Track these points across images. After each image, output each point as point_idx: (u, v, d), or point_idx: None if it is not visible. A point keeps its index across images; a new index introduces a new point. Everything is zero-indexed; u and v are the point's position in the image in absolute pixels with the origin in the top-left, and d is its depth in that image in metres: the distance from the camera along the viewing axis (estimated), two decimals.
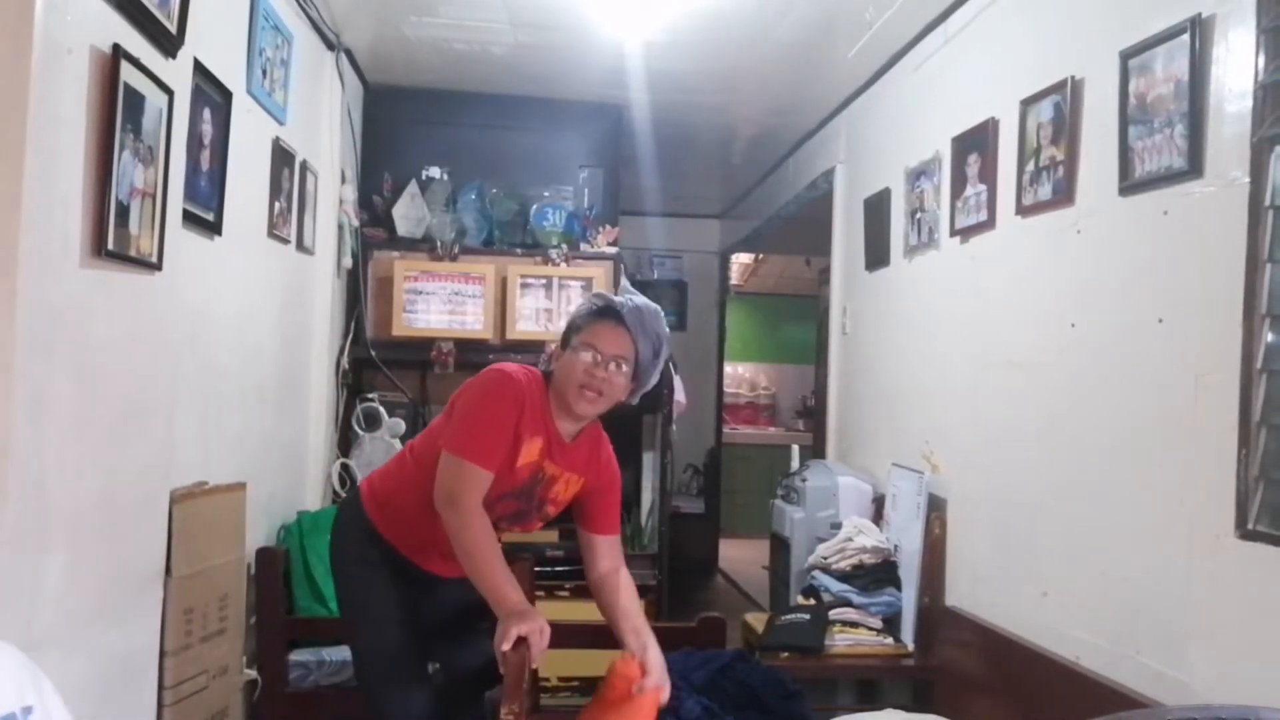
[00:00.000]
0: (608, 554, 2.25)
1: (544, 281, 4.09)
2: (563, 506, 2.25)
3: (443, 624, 2.34)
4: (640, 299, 2.21)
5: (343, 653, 3.01)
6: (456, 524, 2.01)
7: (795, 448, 4.21)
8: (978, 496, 2.78)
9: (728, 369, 7.65)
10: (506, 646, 1.91)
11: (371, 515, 2.22)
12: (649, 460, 4.41)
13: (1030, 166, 2.50)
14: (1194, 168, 1.90)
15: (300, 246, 3.28)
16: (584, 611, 3.86)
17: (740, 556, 6.64)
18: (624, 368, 2.13)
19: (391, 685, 2.17)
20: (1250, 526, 1.74)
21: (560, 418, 2.17)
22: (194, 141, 2.22)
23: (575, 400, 2.13)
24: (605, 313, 2.15)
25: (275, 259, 3.05)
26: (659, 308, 2.22)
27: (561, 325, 3.96)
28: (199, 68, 2.19)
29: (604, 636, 2.58)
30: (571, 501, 2.26)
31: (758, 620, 3.44)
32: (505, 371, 2.17)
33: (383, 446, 3.81)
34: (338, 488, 3.69)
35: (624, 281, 2.28)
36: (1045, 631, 2.37)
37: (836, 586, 3.07)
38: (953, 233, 2.97)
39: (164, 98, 1.90)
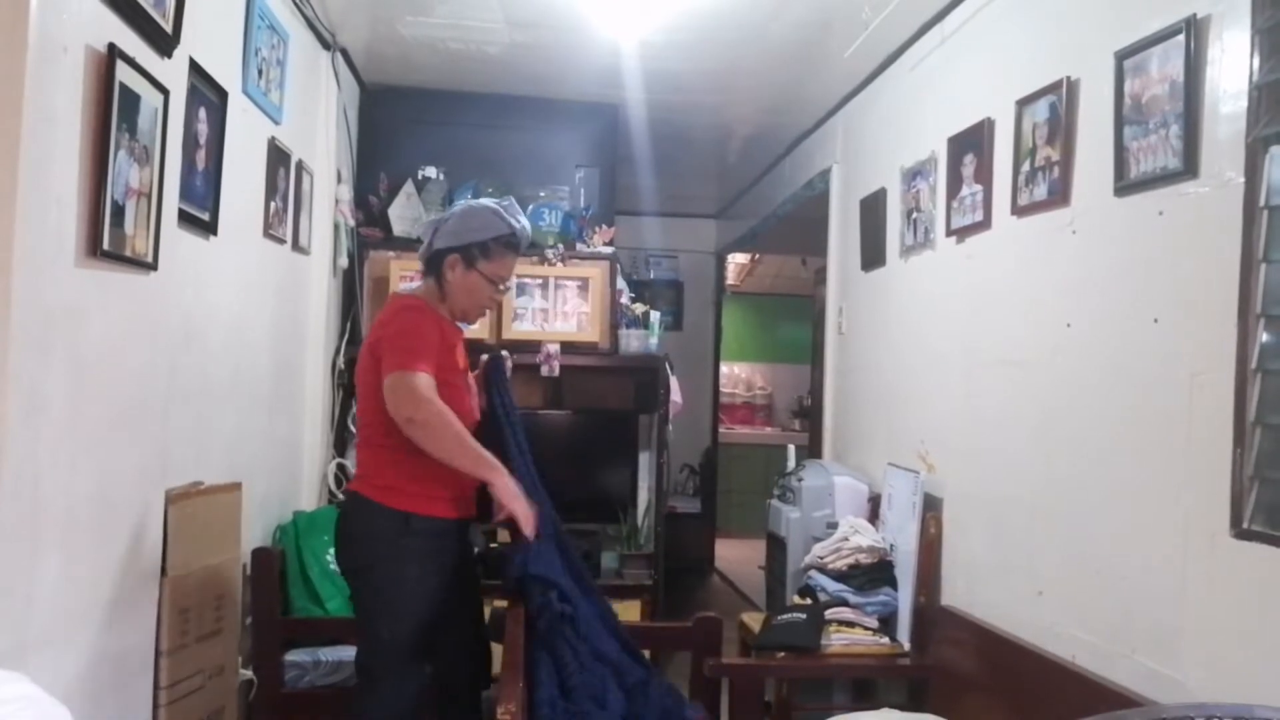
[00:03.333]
0: None
1: (540, 281, 4.09)
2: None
3: (451, 621, 2.38)
4: (524, 219, 2.44)
5: (338, 653, 3.01)
6: (428, 429, 2.18)
7: (791, 447, 4.21)
8: (973, 496, 2.78)
9: (724, 369, 7.65)
10: (503, 516, 2.25)
11: (396, 504, 2.28)
12: (645, 460, 4.42)
13: (1026, 167, 2.51)
14: (1189, 168, 1.90)
15: (296, 246, 3.28)
16: None
17: (736, 556, 6.64)
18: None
19: (395, 674, 2.27)
20: (1245, 526, 1.74)
21: (442, 312, 2.42)
22: (189, 141, 2.22)
23: (475, 317, 2.50)
24: (514, 245, 2.41)
25: (271, 259, 3.05)
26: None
27: (559, 326, 4.04)
28: (194, 67, 2.19)
29: None
30: None
31: (754, 620, 3.45)
32: (411, 305, 2.35)
33: None
34: (333, 488, 3.69)
35: (511, 202, 2.49)
36: (1040, 630, 2.37)
37: (832, 586, 3.08)
38: (948, 233, 2.98)
39: (159, 97, 1.90)
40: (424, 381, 2.18)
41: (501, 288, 2.44)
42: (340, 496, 3.68)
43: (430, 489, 2.29)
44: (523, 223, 2.41)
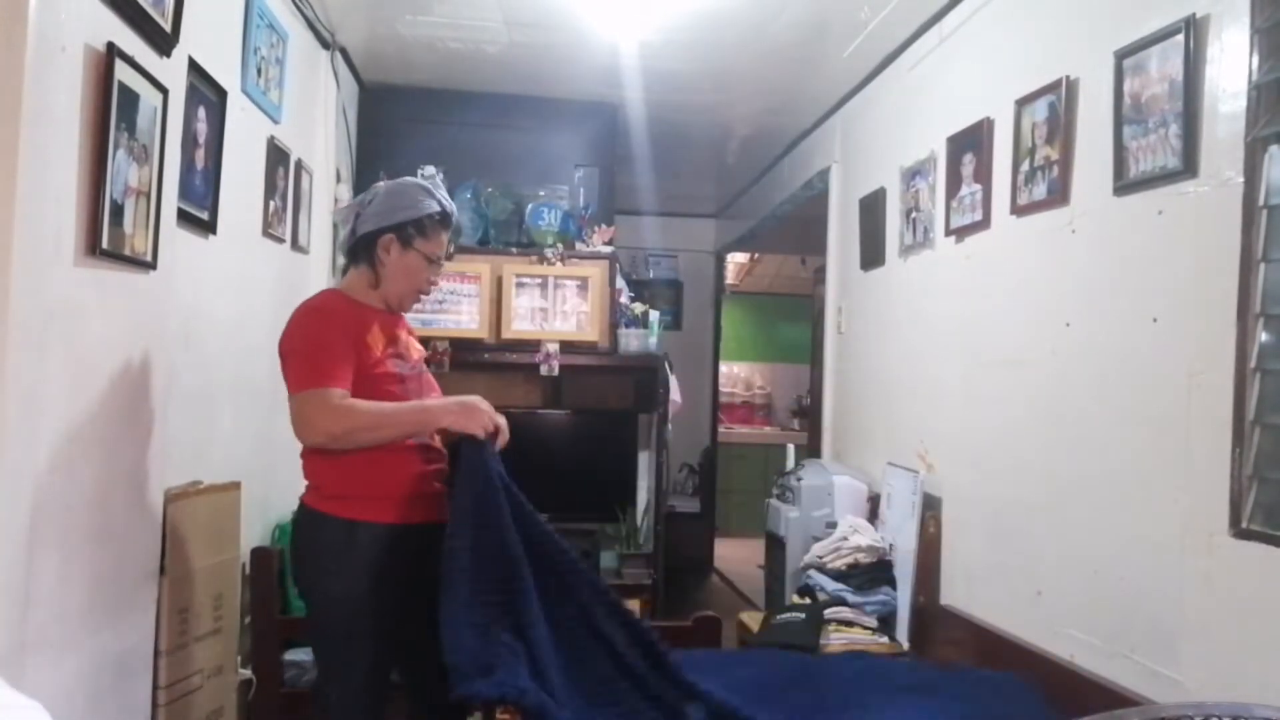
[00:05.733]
0: None
1: (539, 281, 4.09)
2: (423, 354, 2.38)
3: (414, 630, 2.20)
4: (447, 197, 2.30)
5: None
6: (357, 433, 2.05)
7: (791, 447, 4.21)
8: (972, 495, 2.78)
9: (723, 368, 7.65)
10: (482, 433, 2.09)
11: (341, 513, 2.11)
12: (644, 460, 4.42)
13: (1025, 166, 2.51)
14: (1188, 167, 1.90)
15: (295, 245, 3.28)
16: None
17: (736, 556, 6.64)
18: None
19: (349, 698, 2.12)
20: (1244, 525, 1.74)
21: (372, 302, 2.24)
22: (188, 140, 2.22)
23: (411, 303, 2.29)
24: (447, 222, 2.26)
25: (270, 258, 3.05)
26: None
27: (558, 325, 4.04)
28: (194, 66, 2.18)
29: None
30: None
31: (753, 619, 3.45)
32: (304, 309, 2.19)
33: None
34: None
35: (430, 170, 2.33)
36: (1039, 630, 2.38)
37: (831, 585, 3.08)
38: (948, 232, 2.98)
39: (158, 96, 1.90)
40: (326, 396, 2.03)
41: (437, 270, 2.28)
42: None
43: (377, 491, 2.12)
44: (449, 202, 2.28)
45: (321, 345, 2.08)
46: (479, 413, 2.12)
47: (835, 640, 2.96)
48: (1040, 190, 2.44)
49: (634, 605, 4.01)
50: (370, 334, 2.15)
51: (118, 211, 1.76)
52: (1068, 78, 2.34)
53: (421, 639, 2.14)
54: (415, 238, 2.20)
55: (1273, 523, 1.70)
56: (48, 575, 1.63)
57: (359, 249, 2.24)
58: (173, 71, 1.98)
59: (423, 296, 2.30)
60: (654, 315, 4.27)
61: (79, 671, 1.76)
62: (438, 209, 2.23)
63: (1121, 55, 2.10)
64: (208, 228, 2.44)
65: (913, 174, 3.27)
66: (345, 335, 2.10)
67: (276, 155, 2.99)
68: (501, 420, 2.16)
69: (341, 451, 2.11)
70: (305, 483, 2.23)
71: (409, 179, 2.32)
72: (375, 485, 2.12)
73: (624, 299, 4.31)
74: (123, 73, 1.73)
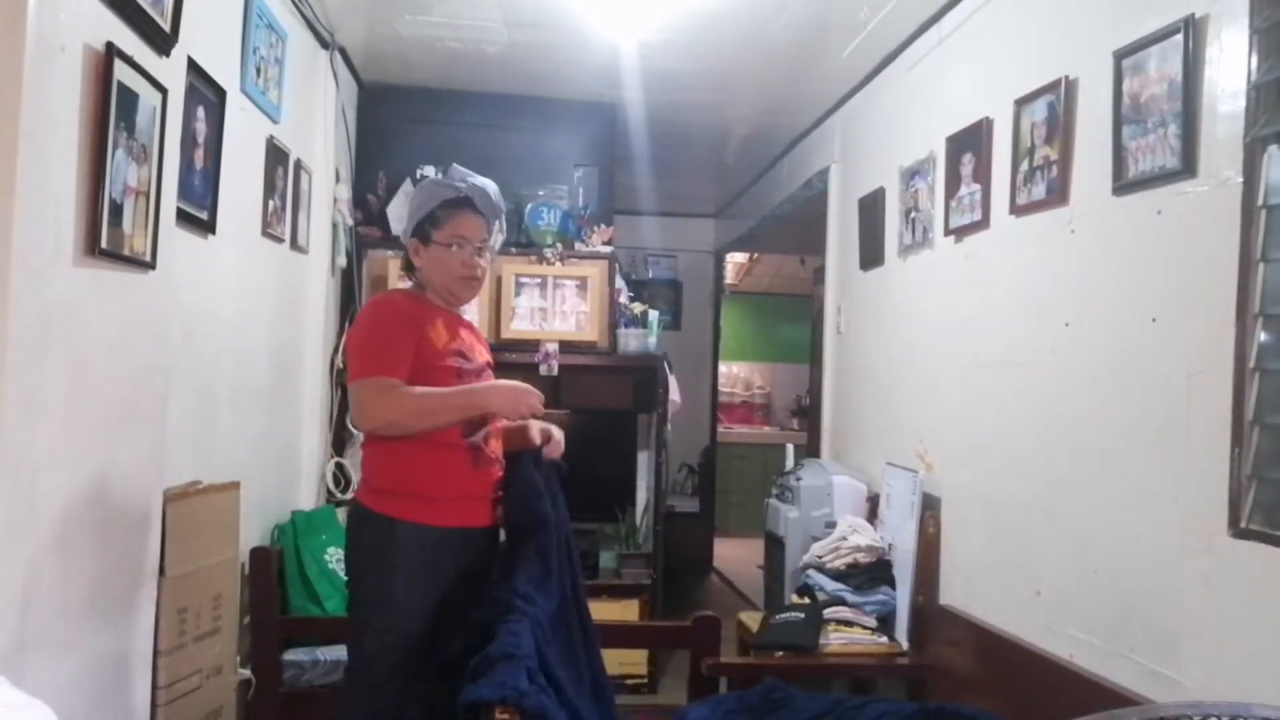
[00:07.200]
0: None
1: (539, 281, 4.09)
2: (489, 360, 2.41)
3: (452, 637, 2.20)
4: (477, 178, 2.32)
5: (337, 652, 3.01)
6: (396, 416, 2.11)
7: (790, 447, 4.21)
8: (972, 495, 2.78)
9: (722, 368, 7.65)
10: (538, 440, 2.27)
11: (383, 510, 2.14)
12: (644, 460, 4.42)
13: (1024, 166, 2.51)
14: (1187, 167, 1.90)
15: (294, 245, 3.28)
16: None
17: (735, 555, 6.64)
18: (485, 252, 2.32)
19: (374, 692, 2.13)
20: (1243, 525, 1.74)
21: (435, 301, 2.31)
22: (188, 140, 2.22)
23: (461, 291, 2.31)
24: (461, 203, 2.27)
25: (269, 258, 3.05)
26: (493, 182, 2.36)
27: (557, 325, 4.04)
28: (193, 66, 2.19)
29: (607, 637, 2.56)
30: None
31: (752, 619, 3.45)
32: (372, 303, 2.36)
33: None
34: (332, 487, 3.69)
35: (454, 168, 2.38)
36: (1039, 630, 2.38)
37: (831, 585, 3.08)
38: (947, 232, 2.98)
39: (158, 96, 1.90)
40: (379, 384, 2.09)
41: (470, 251, 2.26)
42: (339, 495, 3.69)
43: (420, 490, 2.14)
44: (470, 181, 2.29)
45: (380, 337, 2.16)
46: (525, 396, 2.19)
47: (835, 640, 2.96)
48: (1039, 190, 2.44)
49: (633, 605, 4.02)
50: (433, 328, 2.22)
51: (117, 211, 1.76)
52: (1067, 78, 2.34)
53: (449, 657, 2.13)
54: (431, 231, 2.26)
55: (1272, 523, 1.70)
56: (48, 575, 1.63)
57: (406, 259, 2.35)
58: (172, 71, 1.98)
59: (472, 283, 2.30)
60: (653, 315, 4.27)
61: (79, 671, 1.76)
62: (450, 195, 2.27)
63: (1120, 55, 2.10)
64: (207, 227, 2.44)
65: (912, 174, 3.27)
66: (404, 327, 2.17)
67: (275, 155, 2.99)
68: (556, 430, 2.32)
69: (391, 446, 2.16)
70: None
71: (427, 180, 2.39)
72: (418, 484, 2.16)
73: (623, 299, 4.32)
74: (122, 72, 1.73)
